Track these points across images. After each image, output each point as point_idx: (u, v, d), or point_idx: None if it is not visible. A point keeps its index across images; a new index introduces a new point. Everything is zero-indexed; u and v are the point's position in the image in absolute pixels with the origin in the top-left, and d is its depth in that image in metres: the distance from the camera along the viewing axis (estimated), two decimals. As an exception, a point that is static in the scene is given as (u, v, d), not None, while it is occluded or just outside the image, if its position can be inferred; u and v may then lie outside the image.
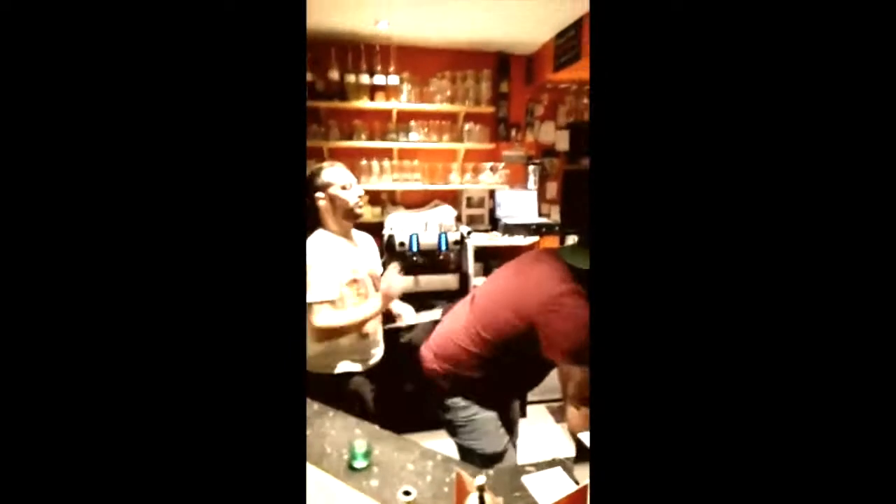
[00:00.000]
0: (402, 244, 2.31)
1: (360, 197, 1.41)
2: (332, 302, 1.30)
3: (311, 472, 0.89)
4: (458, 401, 1.18)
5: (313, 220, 1.44)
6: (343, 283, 1.34)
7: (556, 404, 2.50)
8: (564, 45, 2.33)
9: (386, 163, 2.54)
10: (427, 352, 1.24)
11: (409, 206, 2.66)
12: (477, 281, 2.50)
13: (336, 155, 2.51)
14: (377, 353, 1.49)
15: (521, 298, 1.07)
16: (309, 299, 1.28)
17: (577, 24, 2.20)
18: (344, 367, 1.40)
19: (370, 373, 1.45)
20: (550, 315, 1.00)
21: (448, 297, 2.32)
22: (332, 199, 1.38)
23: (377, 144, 2.52)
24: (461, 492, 0.58)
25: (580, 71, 2.39)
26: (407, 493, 0.49)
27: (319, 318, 1.28)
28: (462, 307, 1.28)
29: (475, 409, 1.18)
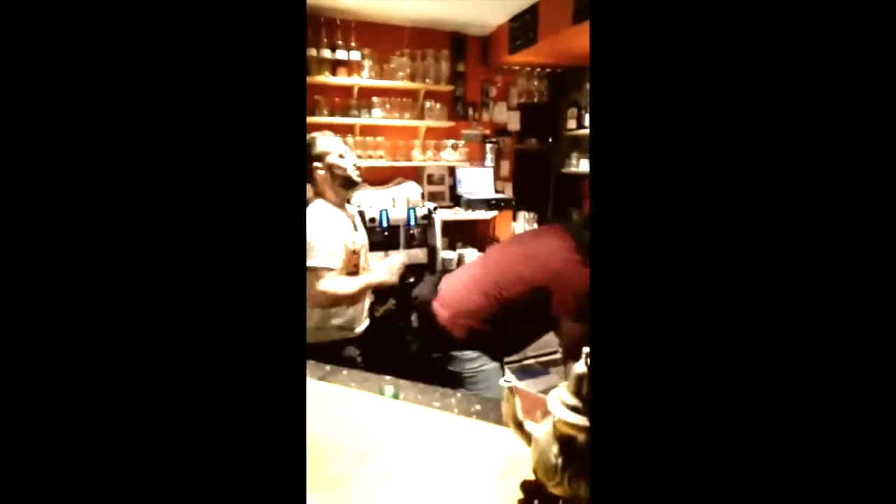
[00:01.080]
0: (372, 220, 2.34)
1: (355, 165, 1.45)
2: (335, 269, 1.34)
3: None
4: (468, 353, 1.30)
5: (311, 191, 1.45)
6: (344, 254, 1.38)
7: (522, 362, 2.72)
8: (519, 28, 2.48)
9: (350, 139, 2.53)
10: (442, 308, 1.33)
11: (371, 184, 2.68)
12: (445, 254, 2.62)
13: (297, 131, 2.45)
14: (365, 321, 1.55)
15: (536, 265, 1.25)
16: (314, 264, 1.30)
17: (532, 9, 2.35)
18: (337, 335, 1.45)
19: (356, 339, 1.51)
20: (564, 281, 1.20)
21: (418, 271, 2.40)
22: (330, 168, 1.39)
23: (339, 120, 2.50)
24: (528, 400, 0.70)
25: (532, 54, 2.56)
26: (507, 381, 0.60)
27: (325, 283, 1.31)
28: (472, 269, 1.39)
29: (482, 360, 1.31)
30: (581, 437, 0.52)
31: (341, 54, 2.42)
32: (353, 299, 1.40)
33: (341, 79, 2.44)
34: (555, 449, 0.54)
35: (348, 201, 1.57)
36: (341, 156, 1.41)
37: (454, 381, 1.33)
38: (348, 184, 1.43)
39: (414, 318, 1.51)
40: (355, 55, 2.45)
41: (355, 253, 1.44)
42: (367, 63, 2.50)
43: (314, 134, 1.45)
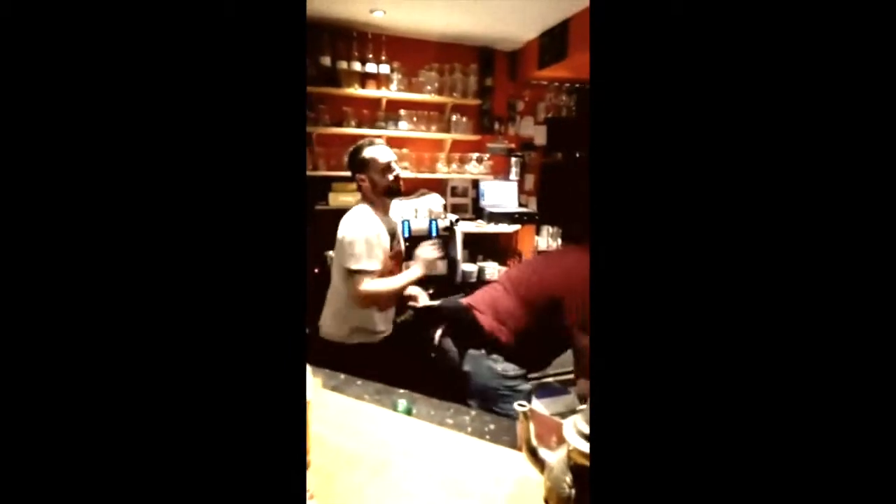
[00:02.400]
0: (394, 230, 2.37)
1: (397, 176, 1.50)
2: (375, 272, 1.38)
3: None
4: (510, 370, 1.29)
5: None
6: (383, 257, 1.42)
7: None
8: (550, 43, 2.48)
9: (376, 150, 2.58)
10: (492, 321, 1.34)
11: (395, 194, 2.71)
12: (465, 266, 2.60)
13: (325, 141, 2.51)
14: (388, 328, 1.57)
15: (557, 274, 1.30)
16: (356, 267, 1.35)
17: (563, 24, 2.35)
18: (365, 339, 1.47)
19: (375, 346, 1.53)
20: (579, 293, 1.23)
21: (438, 282, 2.40)
22: (375, 176, 1.46)
23: (366, 132, 2.54)
24: (545, 424, 0.68)
25: (562, 69, 2.55)
26: (522, 405, 0.58)
27: (367, 284, 1.36)
28: (502, 279, 1.41)
29: (520, 380, 1.31)
30: (596, 468, 0.50)
31: (371, 67, 2.47)
32: (394, 299, 1.45)
33: (370, 91, 2.49)
34: (568, 479, 0.52)
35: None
36: (388, 166, 1.45)
37: (483, 395, 1.31)
38: (390, 193, 1.49)
39: (439, 331, 1.50)
40: (384, 68, 2.50)
41: (392, 258, 1.48)
42: (396, 76, 2.55)
43: (364, 142, 1.51)
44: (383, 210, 1.51)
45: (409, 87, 2.59)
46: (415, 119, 2.65)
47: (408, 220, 2.42)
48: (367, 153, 1.46)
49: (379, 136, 2.59)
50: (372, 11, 2.24)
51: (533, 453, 0.58)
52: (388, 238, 1.47)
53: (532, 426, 0.59)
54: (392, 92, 2.54)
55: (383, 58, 2.50)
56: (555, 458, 0.56)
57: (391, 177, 1.47)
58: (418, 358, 1.64)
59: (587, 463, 0.50)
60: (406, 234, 2.40)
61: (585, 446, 0.51)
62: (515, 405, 0.59)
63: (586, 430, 0.51)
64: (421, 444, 0.77)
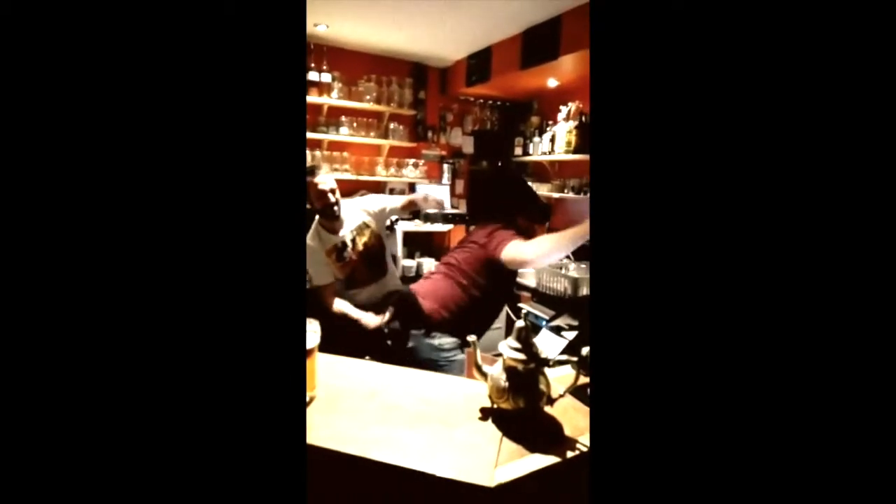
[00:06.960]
0: (338, 228, 2.54)
1: (331, 203, 1.68)
2: (330, 283, 1.68)
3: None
4: (446, 343, 1.54)
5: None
6: (333, 267, 1.69)
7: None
8: (476, 65, 2.83)
9: (318, 153, 2.73)
10: (432, 305, 1.56)
11: (336, 196, 2.88)
12: (405, 262, 2.85)
13: (269, 143, 2.61)
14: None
15: (481, 235, 1.56)
16: (311, 285, 1.64)
17: (487, 50, 2.71)
18: None
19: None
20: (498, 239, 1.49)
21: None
22: (311, 200, 1.68)
23: (309, 135, 2.69)
24: (486, 360, 0.96)
25: (486, 88, 2.92)
26: (471, 338, 0.85)
27: (328, 297, 1.67)
28: (440, 269, 1.66)
29: (456, 350, 1.57)
30: (520, 367, 0.79)
31: (313, 76, 2.63)
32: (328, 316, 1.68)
33: (312, 98, 2.65)
34: (503, 377, 0.80)
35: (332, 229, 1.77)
36: (321, 194, 1.64)
37: (426, 367, 1.56)
38: (323, 216, 1.70)
39: (387, 316, 1.73)
40: (326, 77, 2.67)
41: (347, 265, 1.72)
42: (337, 85, 2.73)
43: (311, 166, 1.70)
44: (329, 228, 1.70)
45: (350, 96, 2.79)
46: (355, 125, 2.84)
47: (350, 220, 2.61)
48: (308, 178, 1.65)
49: (321, 140, 2.75)
50: (316, 25, 2.41)
51: (479, 369, 0.86)
52: (323, 255, 1.69)
53: (478, 352, 0.87)
54: (333, 99, 2.72)
55: (325, 67, 2.67)
56: (494, 369, 0.84)
57: (324, 203, 1.65)
58: (375, 342, 1.85)
59: (515, 364, 0.79)
60: (350, 232, 2.59)
61: (514, 354, 0.79)
62: (468, 338, 0.87)
63: (514, 344, 0.80)
64: (398, 378, 1.02)
